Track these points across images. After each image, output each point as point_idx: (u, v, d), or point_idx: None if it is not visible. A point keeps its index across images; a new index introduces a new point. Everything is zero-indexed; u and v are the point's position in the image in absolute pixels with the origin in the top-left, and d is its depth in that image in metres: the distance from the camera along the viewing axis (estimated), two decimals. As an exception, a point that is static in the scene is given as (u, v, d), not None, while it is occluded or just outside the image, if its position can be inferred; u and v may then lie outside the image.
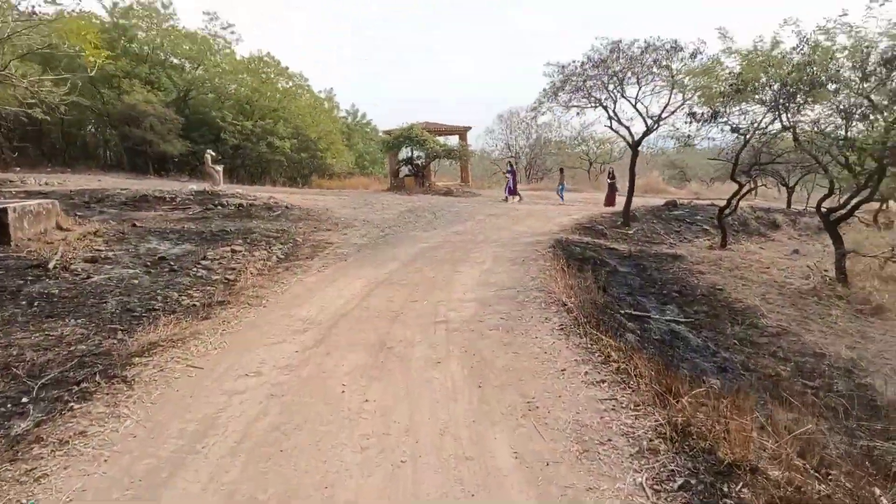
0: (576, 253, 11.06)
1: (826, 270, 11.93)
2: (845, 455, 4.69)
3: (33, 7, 13.47)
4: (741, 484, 3.36)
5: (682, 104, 14.88)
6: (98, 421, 4.09)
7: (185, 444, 3.82)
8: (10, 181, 17.44)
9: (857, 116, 11.42)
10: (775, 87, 11.94)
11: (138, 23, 30.10)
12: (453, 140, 30.63)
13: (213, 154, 19.79)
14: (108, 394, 4.51)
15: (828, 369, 7.43)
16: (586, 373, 4.97)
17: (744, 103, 13.00)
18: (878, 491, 3.84)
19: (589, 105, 16.57)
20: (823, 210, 12.57)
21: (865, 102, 11.00)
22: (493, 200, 22.91)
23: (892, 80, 10.63)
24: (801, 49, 11.44)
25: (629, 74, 15.46)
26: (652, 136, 16.38)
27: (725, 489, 3.33)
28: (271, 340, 5.87)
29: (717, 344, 8.00)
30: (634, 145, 16.52)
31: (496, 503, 3.23)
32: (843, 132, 11.73)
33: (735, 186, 16.00)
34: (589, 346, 5.65)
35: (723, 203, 16.20)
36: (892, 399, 6.61)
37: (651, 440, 3.83)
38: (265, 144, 31.09)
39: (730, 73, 12.72)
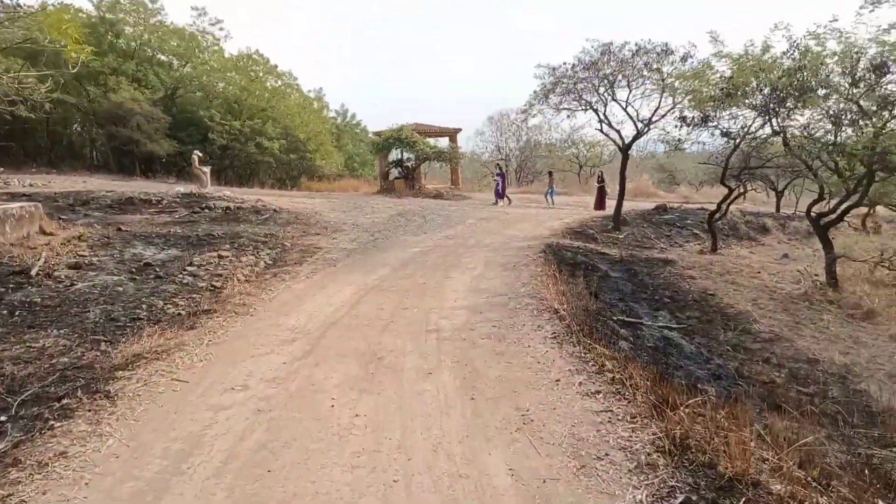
0: (567, 258, 10.99)
1: (816, 275, 11.94)
2: (845, 465, 4.65)
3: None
4: (743, 499, 3.28)
5: (673, 108, 14.87)
6: (79, 440, 3.95)
7: (170, 464, 3.69)
8: (-7, 183, 17.15)
9: (846, 122, 11.44)
10: (766, 91, 11.95)
11: (125, 17, 29.72)
12: (444, 142, 30.50)
13: (201, 155, 19.58)
14: (90, 410, 4.37)
15: (822, 375, 7.40)
16: (581, 383, 4.88)
17: (734, 107, 13.01)
18: (880, 502, 3.80)
19: (579, 108, 16.52)
20: (813, 215, 12.60)
21: (855, 108, 11.02)
22: (484, 203, 22.83)
23: (881, 86, 10.67)
24: (792, 54, 11.46)
25: (620, 77, 15.44)
26: (642, 139, 16.39)
27: (727, 505, 3.26)
28: (259, 351, 5.73)
29: (711, 350, 7.95)
30: (624, 149, 16.49)
31: (492, 526, 3.13)
32: (832, 137, 11.76)
33: (724, 190, 16.02)
34: (582, 354, 5.57)
35: (713, 207, 16.21)
36: (887, 405, 6.58)
37: (649, 454, 3.75)
38: (254, 145, 30.85)
39: (720, 77, 12.72)
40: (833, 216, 12.35)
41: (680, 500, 3.28)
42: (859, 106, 10.89)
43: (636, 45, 15.01)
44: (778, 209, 23.39)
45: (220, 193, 17.12)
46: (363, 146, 44.89)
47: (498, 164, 28.38)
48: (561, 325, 6.44)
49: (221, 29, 32.73)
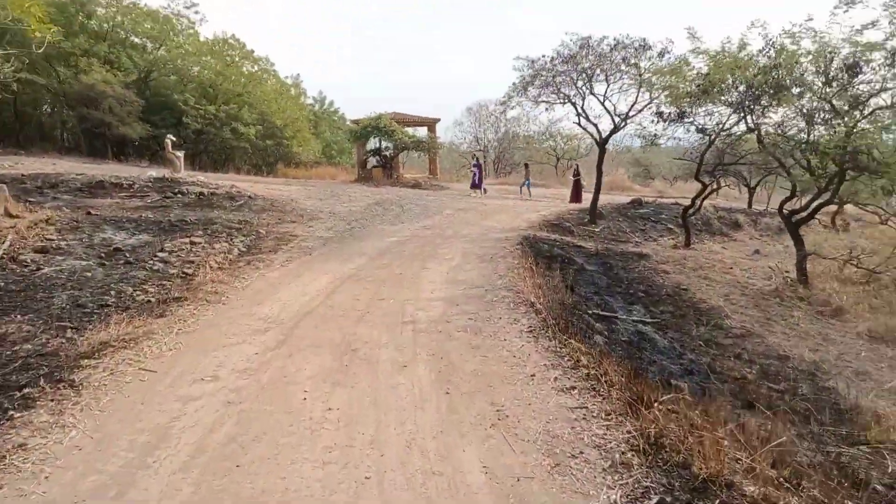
0: (544, 250, 11.00)
1: (787, 272, 12.13)
2: (815, 464, 4.70)
3: None
4: (718, 501, 3.29)
5: (650, 103, 14.92)
6: (40, 431, 3.82)
7: (136, 457, 3.58)
8: (-43, 163, 16.60)
9: (819, 120, 11.58)
10: (741, 88, 12.05)
11: (97, -2, 28.87)
12: (422, 131, 30.28)
13: (174, 139, 19.11)
14: (52, 400, 4.23)
15: (792, 372, 7.50)
16: (556, 378, 4.87)
17: (710, 104, 13.08)
18: (849, 503, 3.85)
19: (557, 101, 16.51)
20: (786, 212, 12.77)
21: (827, 107, 11.15)
22: (462, 194, 22.75)
23: (853, 86, 10.81)
24: (768, 52, 11.54)
25: (598, 71, 15.44)
26: (619, 133, 16.44)
27: (701, 507, 3.26)
28: (230, 341, 5.62)
29: (684, 345, 8.02)
30: (602, 143, 16.53)
31: (465, 524, 3.10)
32: (805, 135, 11.90)
33: (698, 185, 16.16)
34: (558, 349, 5.56)
35: (687, 202, 16.36)
36: (854, 403, 6.69)
37: (623, 453, 3.74)
38: (229, 130, 30.28)
39: (697, 73, 12.78)
40: (804, 214, 12.52)
41: (654, 501, 3.27)
42: (832, 105, 11.03)
43: (614, 39, 15.03)
44: (750, 205, 23.72)
45: (193, 179, 16.78)
46: (341, 134, 44.33)
47: (475, 155, 28.26)
48: (537, 318, 6.43)
49: (197, 13, 31.97)
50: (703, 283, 11.34)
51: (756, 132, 12.61)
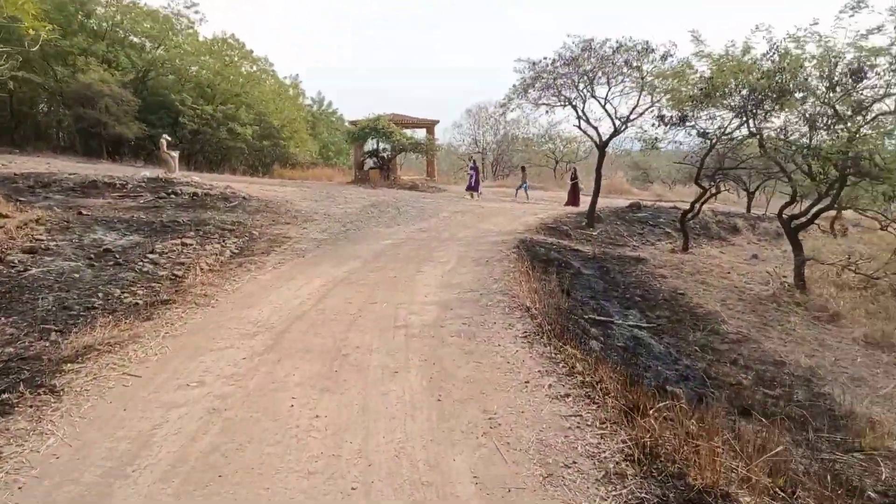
0: (540, 254, 10.90)
1: (785, 276, 12.04)
2: (810, 471, 4.61)
3: None
4: (713, 513, 3.19)
5: (651, 106, 14.82)
6: (17, 439, 3.70)
7: (114, 466, 3.47)
8: (-50, 162, 16.47)
9: (821, 125, 11.49)
10: (744, 92, 11.95)
11: (97, -3, 28.74)
12: (421, 133, 30.18)
13: (169, 139, 19.02)
14: (31, 406, 4.12)
15: (788, 378, 7.42)
16: (550, 385, 4.77)
17: (712, 108, 12.99)
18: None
19: (558, 103, 16.39)
20: (785, 217, 12.68)
21: (830, 112, 11.06)
22: (459, 196, 22.65)
23: (857, 91, 10.73)
24: (772, 56, 11.45)
25: (600, 74, 15.32)
26: (619, 137, 16.34)
27: (697, 520, 3.16)
28: (218, 345, 5.51)
29: (680, 351, 7.93)
30: (602, 146, 16.43)
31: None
32: (807, 140, 11.81)
33: (697, 189, 16.07)
34: (553, 355, 5.46)
35: (685, 206, 16.27)
36: (849, 409, 6.61)
37: (618, 463, 3.64)
38: (226, 130, 30.15)
39: (700, 76, 12.69)
40: (804, 219, 12.45)
41: (648, 512, 3.17)
42: (835, 110, 10.95)
43: (617, 42, 14.93)
44: (749, 209, 23.64)
45: (188, 179, 16.65)
46: (339, 135, 44.25)
47: (472, 157, 28.13)
48: (532, 323, 6.33)
49: (197, 12, 31.84)
50: (700, 288, 11.25)
51: (758, 136, 12.52)
